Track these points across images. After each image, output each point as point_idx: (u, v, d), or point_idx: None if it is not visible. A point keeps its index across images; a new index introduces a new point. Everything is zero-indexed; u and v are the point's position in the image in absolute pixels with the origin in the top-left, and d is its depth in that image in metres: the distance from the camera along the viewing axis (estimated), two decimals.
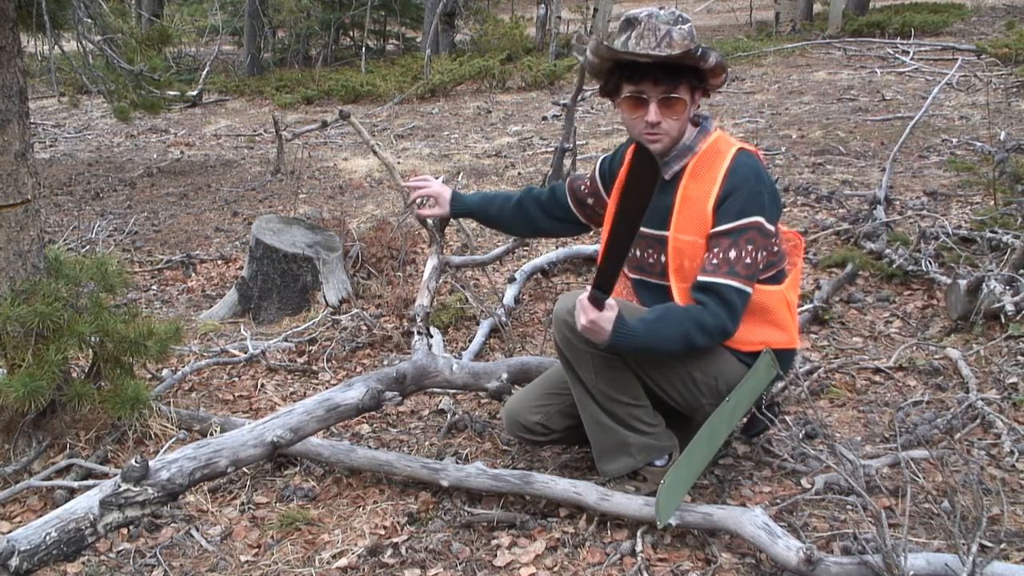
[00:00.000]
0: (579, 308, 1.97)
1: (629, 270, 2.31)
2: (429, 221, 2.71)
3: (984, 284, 3.09)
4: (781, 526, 2.00)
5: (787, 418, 2.67)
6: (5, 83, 2.43)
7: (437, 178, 2.66)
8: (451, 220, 2.80)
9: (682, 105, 2.10)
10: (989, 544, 1.96)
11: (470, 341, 3.39)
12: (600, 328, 1.96)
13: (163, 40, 5.68)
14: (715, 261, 2.06)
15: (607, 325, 1.95)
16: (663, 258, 2.18)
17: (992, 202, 4.20)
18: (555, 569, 2.08)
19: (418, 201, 2.65)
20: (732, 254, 2.04)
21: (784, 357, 2.24)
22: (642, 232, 2.16)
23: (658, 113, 2.09)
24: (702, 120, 2.20)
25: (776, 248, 2.16)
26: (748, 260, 2.04)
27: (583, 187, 2.47)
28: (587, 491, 2.20)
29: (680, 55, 2.01)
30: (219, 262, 4.79)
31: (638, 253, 2.25)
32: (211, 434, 2.64)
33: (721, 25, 15.70)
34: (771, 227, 2.09)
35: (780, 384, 2.39)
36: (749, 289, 2.06)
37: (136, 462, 1.91)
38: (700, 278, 2.07)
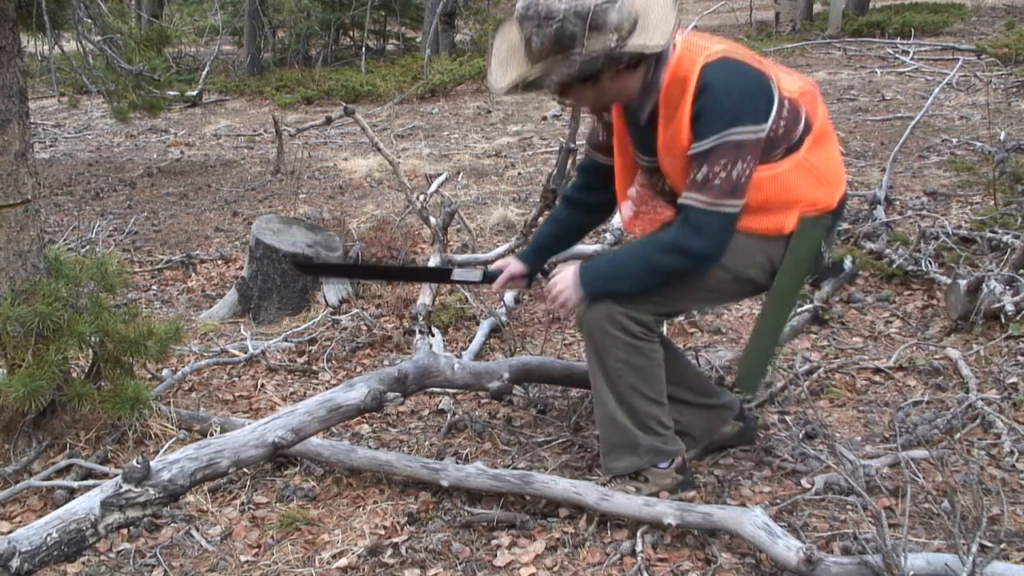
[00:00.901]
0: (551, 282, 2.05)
1: (653, 194, 2.28)
2: (432, 220, 2.71)
3: (984, 284, 3.10)
4: (781, 526, 2.00)
5: (787, 418, 2.68)
6: (5, 83, 2.43)
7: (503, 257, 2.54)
8: (453, 220, 2.79)
9: (587, 94, 2.04)
10: (989, 544, 1.96)
11: (470, 341, 3.39)
12: (563, 288, 2.07)
13: (163, 40, 5.69)
14: (687, 181, 2.02)
15: (569, 278, 2.06)
16: (667, 183, 2.17)
17: (992, 202, 4.20)
18: (555, 569, 2.08)
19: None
20: (699, 176, 1.98)
21: (826, 216, 2.14)
22: (643, 161, 2.19)
23: (575, 104, 2.06)
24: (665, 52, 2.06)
25: (775, 133, 2.03)
26: (718, 181, 1.96)
27: (596, 134, 2.40)
28: (587, 491, 2.20)
29: (510, 90, 2.00)
30: (219, 262, 4.79)
31: (650, 179, 2.23)
32: (211, 434, 2.64)
33: (721, 25, 15.69)
34: (749, 133, 1.96)
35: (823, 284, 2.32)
36: (726, 209, 1.99)
37: (137, 463, 1.91)
38: (679, 197, 2.05)
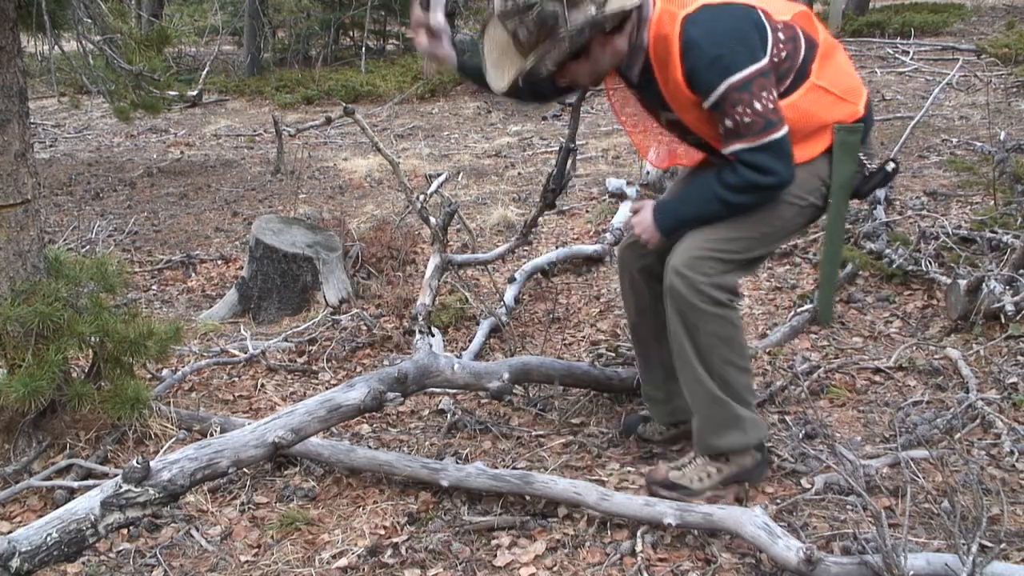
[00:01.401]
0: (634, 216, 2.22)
1: (678, 140, 2.33)
2: (432, 220, 2.71)
3: (984, 284, 3.10)
4: (781, 526, 2.00)
5: (787, 418, 2.68)
6: (5, 83, 2.43)
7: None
8: (453, 220, 2.78)
9: (582, 68, 2.08)
10: (989, 544, 1.96)
11: (470, 341, 3.39)
12: (643, 217, 2.19)
13: (162, 40, 5.67)
14: (721, 132, 2.04)
15: (647, 214, 2.18)
16: (690, 132, 2.19)
17: (992, 202, 4.20)
18: (555, 569, 2.08)
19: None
20: (728, 125, 2.01)
21: (856, 124, 2.15)
22: (664, 115, 2.21)
23: (574, 82, 2.13)
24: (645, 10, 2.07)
25: (778, 59, 2.04)
26: (747, 120, 1.98)
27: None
28: (587, 491, 2.20)
29: (511, 87, 2.05)
30: (219, 262, 4.79)
31: (678, 132, 2.26)
32: (211, 434, 2.64)
33: None
34: (749, 72, 1.96)
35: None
36: (772, 137, 2.00)
37: (137, 463, 1.91)
38: (722, 150, 2.08)
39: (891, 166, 2.21)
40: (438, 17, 2.23)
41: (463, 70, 2.31)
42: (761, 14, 2.04)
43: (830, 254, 2.28)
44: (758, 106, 1.98)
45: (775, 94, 2.02)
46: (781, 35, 2.05)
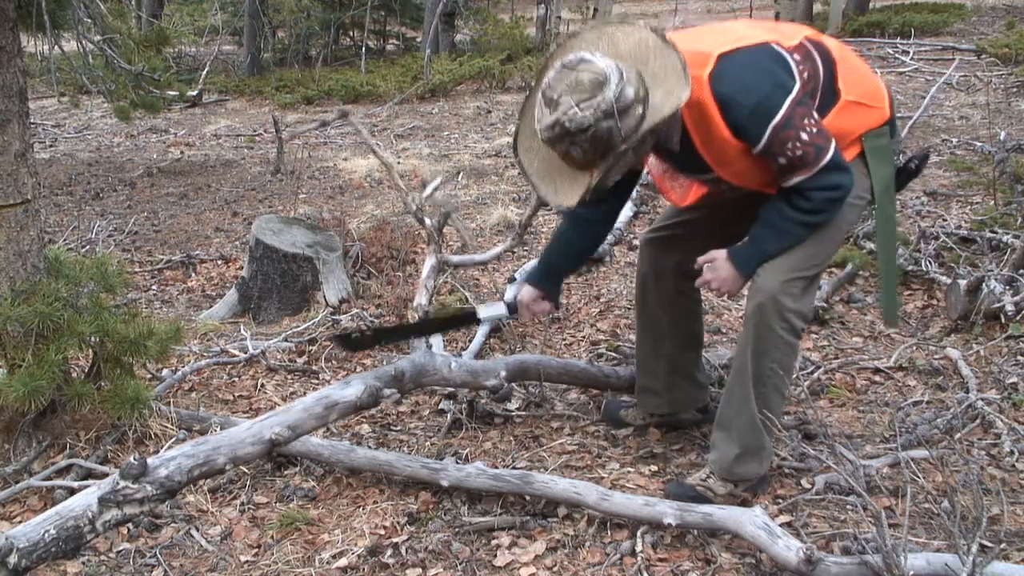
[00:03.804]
0: (705, 270, 2.16)
1: (714, 192, 2.30)
2: (427, 220, 2.71)
3: (984, 284, 3.09)
4: (781, 526, 2.00)
5: (787, 418, 2.68)
6: (5, 83, 2.43)
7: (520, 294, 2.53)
8: (448, 221, 2.79)
9: (629, 160, 2.02)
10: (989, 544, 1.96)
11: (470, 341, 3.39)
12: (719, 273, 2.14)
13: (162, 40, 5.67)
14: (776, 169, 2.04)
15: (723, 267, 2.13)
16: (728, 185, 2.19)
17: (992, 202, 4.20)
18: (555, 569, 2.08)
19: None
20: (783, 164, 2.01)
21: (884, 126, 2.19)
22: (700, 177, 2.23)
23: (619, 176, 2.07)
24: None
25: (804, 83, 2.04)
26: (800, 153, 1.99)
27: None
28: (587, 491, 2.20)
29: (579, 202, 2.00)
30: (219, 262, 4.79)
31: (711, 187, 2.26)
32: (211, 434, 2.64)
33: None
34: (788, 106, 1.98)
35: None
36: (824, 162, 2.01)
37: (134, 459, 1.91)
38: (780, 184, 2.08)
39: (914, 164, 2.24)
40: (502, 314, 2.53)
41: (559, 290, 2.51)
42: (776, 46, 2.05)
43: (887, 257, 2.31)
44: (805, 137, 1.99)
45: (816, 116, 2.03)
46: (797, 56, 2.06)
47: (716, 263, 2.16)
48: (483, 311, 2.54)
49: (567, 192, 2.01)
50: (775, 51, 2.03)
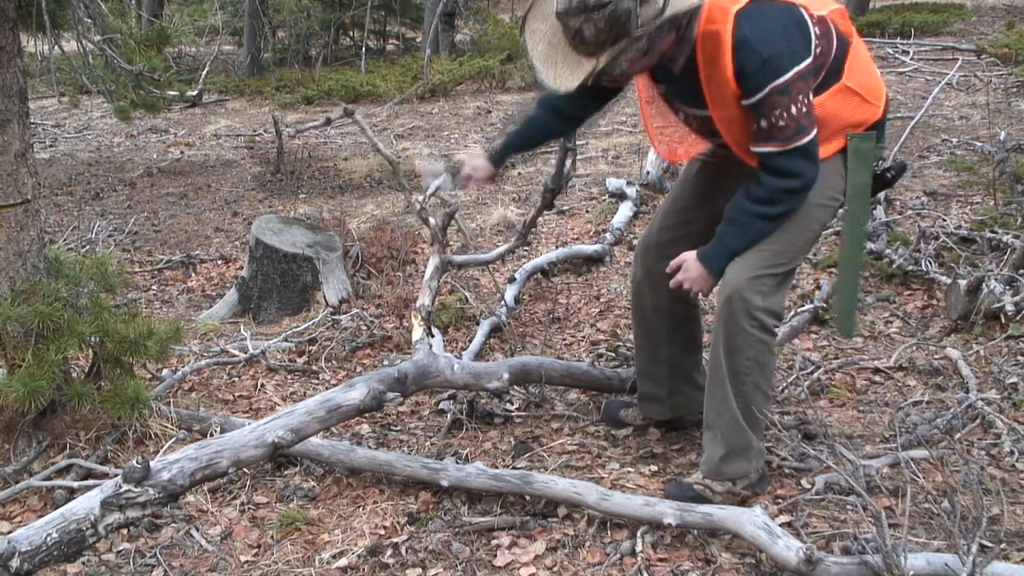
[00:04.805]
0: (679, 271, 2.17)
1: (701, 136, 2.30)
2: (432, 220, 2.71)
3: (984, 284, 3.09)
4: (781, 526, 2.00)
5: (787, 418, 2.68)
6: (5, 83, 2.43)
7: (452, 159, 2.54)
8: (451, 220, 2.79)
9: (640, 62, 2.01)
10: (989, 544, 1.96)
11: (470, 341, 3.39)
12: (689, 274, 2.16)
13: (163, 40, 5.67)
14: (753, 129, 2.03)
15: (693, 267, 2.15)
16: (718, 135, 2.17)
17: (992, 202, 4.20)
18: (555, 569, 2.08)
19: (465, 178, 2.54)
20: (762, 125, 2.00)
21: (871, 129, 2.16)
22: (689, 111, 2.19)
23: (626, 78, 2.09)
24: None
25: (815, 58, 2.02)
26: (781, 124, 1.98)
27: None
28: (587, 491, 2.20)
29: (580, 86, 1.96)
30: (219, 262, 4.79)
31: (696, 126, 2.24)
32: (211, 434, 2.64)
33: None
34: (794, 74, 1.96)
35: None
36: (801, 141, 2.00)
37: (137, 463, 1.91)
38: (750, 147, 2.07)
39: (891, 174, 2.22)
40: (447, 185, 2.52)
41: (503, 162, 2.49)
42: (803, 11, 2.03)
43: (849, 262, 2.26)
44: (793, 110, 1.98)
45: (811, 97, 2.02)
46: (817, 30, 2.04)
47: (687, 263, 2.18)
48: (430, 185, 2.61)
49: (567, 77, 1.99)
50: (802, 16, 2.02)
